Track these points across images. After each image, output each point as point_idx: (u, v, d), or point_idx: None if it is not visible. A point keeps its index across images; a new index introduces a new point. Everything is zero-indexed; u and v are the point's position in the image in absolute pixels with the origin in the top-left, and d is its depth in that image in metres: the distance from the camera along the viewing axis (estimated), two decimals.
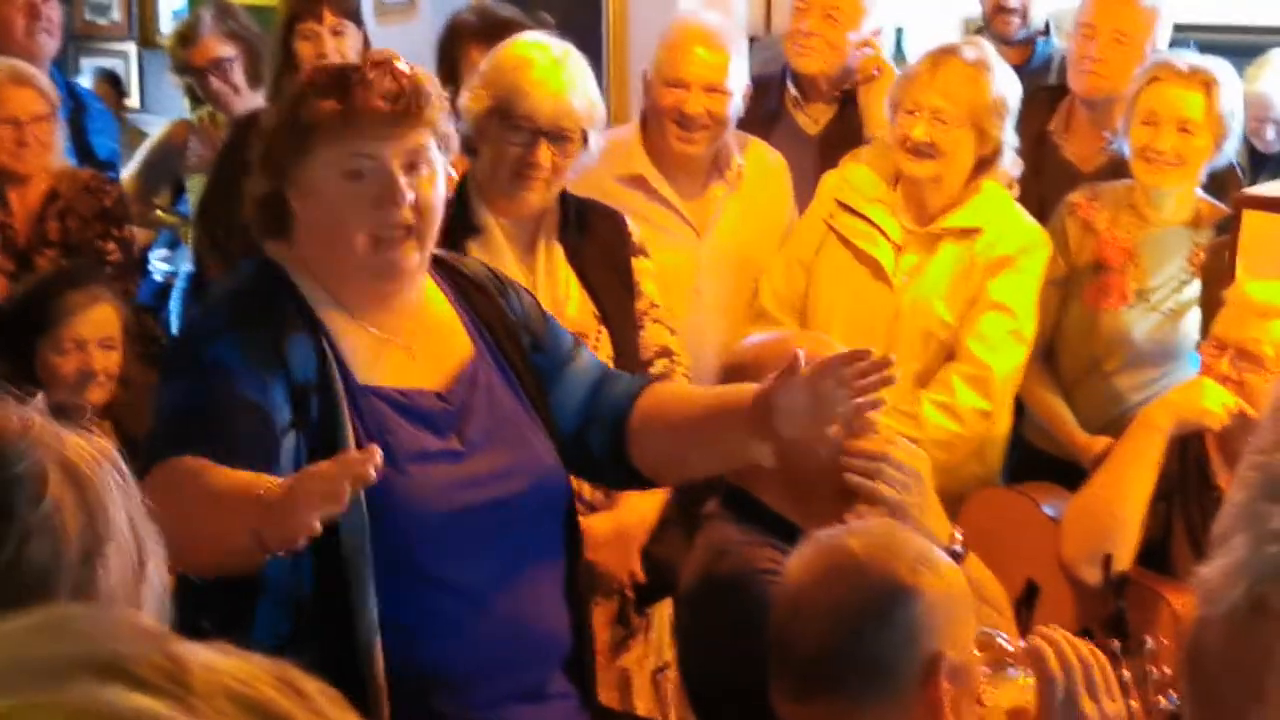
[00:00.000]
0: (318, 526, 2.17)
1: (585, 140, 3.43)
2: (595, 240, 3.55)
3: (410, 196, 2.50)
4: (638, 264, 3.62)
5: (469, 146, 3.44)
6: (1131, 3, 4.54)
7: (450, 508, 2.55)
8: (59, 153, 4.64)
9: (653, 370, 3.54)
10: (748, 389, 2.56)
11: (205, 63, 5.29)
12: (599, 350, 3.40)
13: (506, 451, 2.64)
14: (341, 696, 0.86)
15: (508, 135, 3.41)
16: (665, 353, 3.60)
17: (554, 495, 2.71)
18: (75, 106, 5.29)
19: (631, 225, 3.66)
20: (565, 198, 3.54)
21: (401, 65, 2.54)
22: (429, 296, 2.70)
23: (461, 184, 3.40)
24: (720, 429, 2.64)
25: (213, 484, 2.30)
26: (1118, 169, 4.36)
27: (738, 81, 4.01)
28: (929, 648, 2.20)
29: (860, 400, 2.44)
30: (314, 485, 2.18)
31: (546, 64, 3.42)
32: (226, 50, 5.29)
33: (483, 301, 2.75)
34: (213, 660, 0.83)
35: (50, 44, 5.27)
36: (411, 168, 2.51)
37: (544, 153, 3.38)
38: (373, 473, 2.16)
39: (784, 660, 2.28)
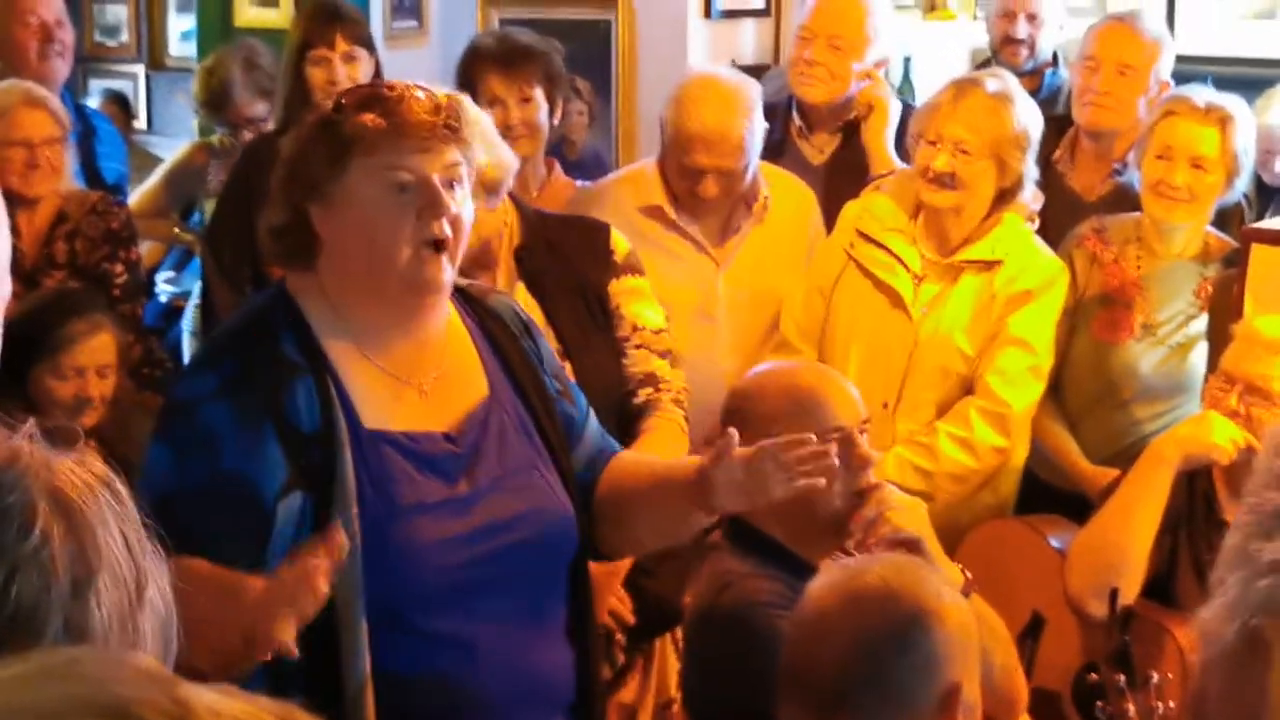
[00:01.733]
0: (291, 633, 2.24)
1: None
2: (563, 266, 3.47)
3: (453, 210, 2.49)
4: (619, 286, 3.54)
5: None
6: (1134, 35, 4.56)
7: (448, 562, 2.51)
8: (68, 176, 4.64)
9: (636, 400, 3.49)
10: (690, 463, 2.62)
11: (240, 120, 5.35)
12: None
13: (515, 498, 2.60)
14: None
15: None
16: (650, 381, 3.52)
17: (563, 541, 2.67)
18: (85, 129, 5.30)
19: (617, 241, 3.58)
20: (531, 222, 3.48)
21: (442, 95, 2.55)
22: (451, 331, 2.66)
23: None
24: (663, 501, 2.69)
25: (201, 586, 2.31)
26: (1121, 199, 4.37)
27: (751, 151, 3.99)
28: (947, 678, 2.20)
29: (800, 484, 2.49)
30: (288, 584, 2.24)
31: None
32: (259, 109, 5.34)
33: (505, 340, 2.72)
34: (218, 703, 0.83)
35: (63, 68, 5.28)
36: (449, 185, 2.50)
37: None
38: (345, 544, 2.25)
39: (800, 681, 2.26)
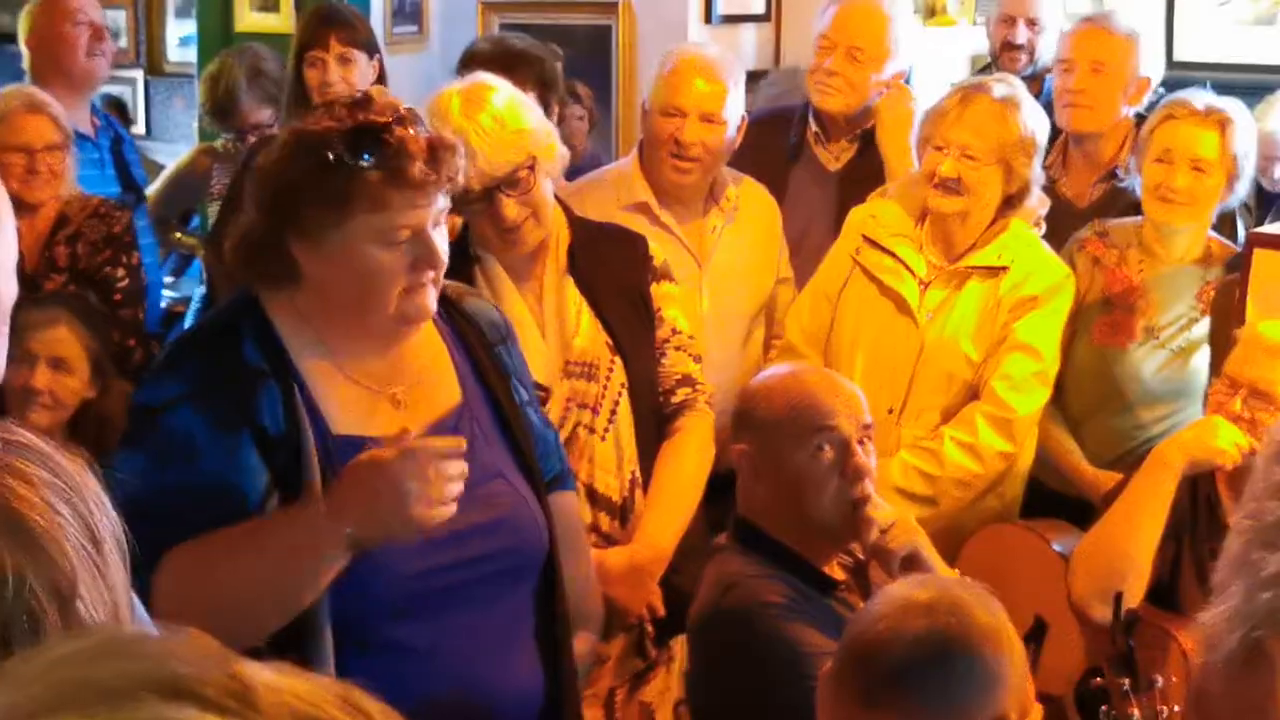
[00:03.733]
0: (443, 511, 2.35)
1: (538, 166, 3.29)
2: (608, 267, 3.49)
3: (445, 258, 2.52)
4: (658, 290, 3.56)
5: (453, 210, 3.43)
6: (1105, 32, 4.57)
7: (414, 569, 2.50)
8: (70, 182, 4.64)
9: (674, 399, 3.54)
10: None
11: (245, 126, 5.37)
12: (612, 380, 3.39)
13: (484, 507, 2.59)
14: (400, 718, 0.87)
15: (470, 209, 3.31)
16: (687, 381, 3.56)
17: (532, 550, 2.68)
18: (115, 136, 5.36)
19: (654, 249, 3.61)
20: (576, 224, 3.51)
21: (421, 123, 2.51)
22: (425, 337, 2.66)
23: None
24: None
25: (254, 535, 2.37)
26: (1111, 203, 4.38)
27: (733, 113, 4.04)
28: (1002, 705, 2.18)
29: None
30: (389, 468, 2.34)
31: (455, 120, 3.26)
32: (264, 116, 5.36)
33: (478, 344, 2.72)
34: (276, 680, 0.83)
35: (105, 69, 5.35)
36: (437, 222, 2.51)
37: (508, 207, 3.27)
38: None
39: (857, 665, 2.22)
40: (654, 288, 3.55)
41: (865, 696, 2.20)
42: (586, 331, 3.40)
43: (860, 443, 2.95)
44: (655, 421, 3.49)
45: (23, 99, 4.58)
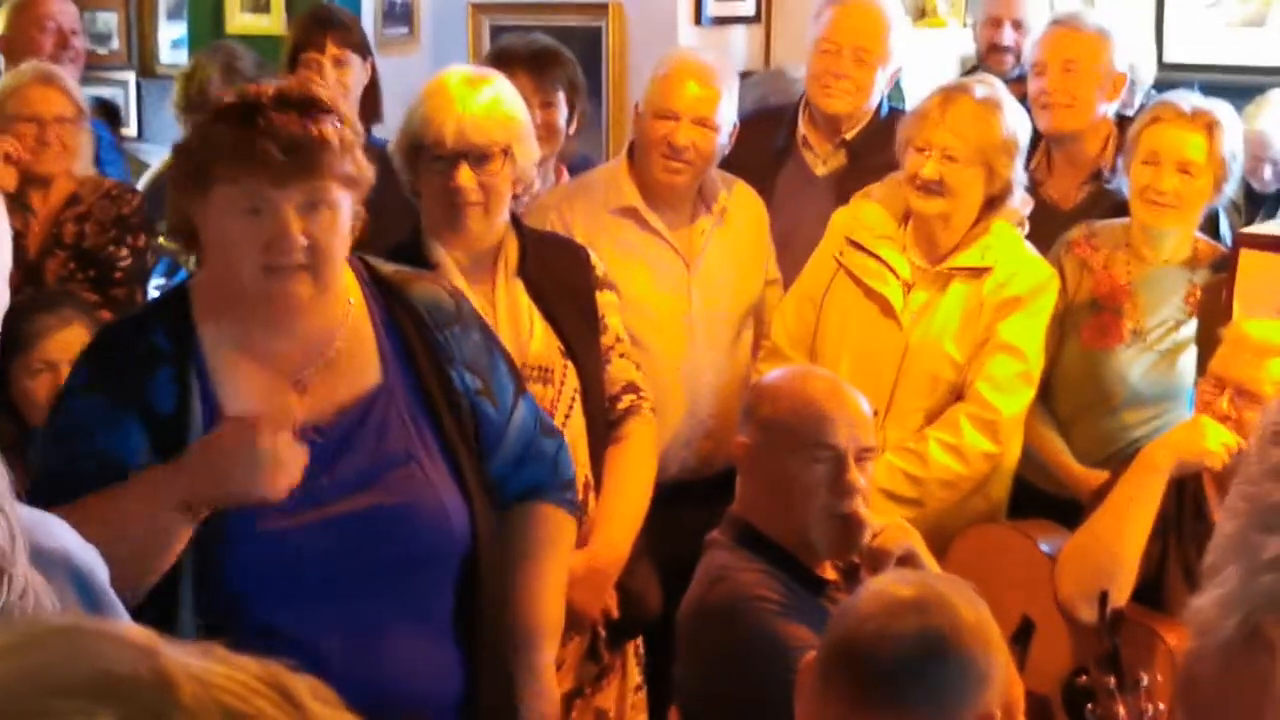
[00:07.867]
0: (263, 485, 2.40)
1: (512, 156, 3.35)
2: (556, 274, 3.50)
3: (303, 241, 2.49)
4: (602, 298, 3.58)
5: (414, 190, 3.44)
6: (1075, 31, 4.57)
7: (291, 550, 2.50)
8: (84, 160, 4.66)
9: (619, 406, 3.55)
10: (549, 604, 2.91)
11: None
12: (565, 385, 3.41)
13: (386, 493, 2.57)
14: (335, 695, 0.85)
15: (431, 168, 3.37)
16: (631, 388, 3.58)
17: (443, 537, 2.62)
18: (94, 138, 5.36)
19: (595, 259, 3.63)
20: (523, 231, 3.51)
21: (314, 111, 2.52)
22: (349, 321, 2.65)
23: (416, 225, 3.41)
24: (523, 592, 2.88)
25: (110, 496, 2.44)
26: (1096, 205, 4.38)
27: (726, 118, 4.04)
28: (989, 703, 2.18)
29: None
30: (228, 436, 2.40)
31: (452, 87, 3.38)
32: None
33: (412, 330, 2.69)
34: (200, 670, 0.81)
35: (73, 74, 5.33)
36: (310, 208, 2.50)
37: (464, 174, 3.32)
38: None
39: (850, 665, 2.21)
40: (599, 295, 3.58)
41: (857, 698, 2.19)
42: (540, 336, 3.42)
43: (858, 461, 2.95)
44: (605, 427, 3.52)
45: (36, 72, 4.63)
